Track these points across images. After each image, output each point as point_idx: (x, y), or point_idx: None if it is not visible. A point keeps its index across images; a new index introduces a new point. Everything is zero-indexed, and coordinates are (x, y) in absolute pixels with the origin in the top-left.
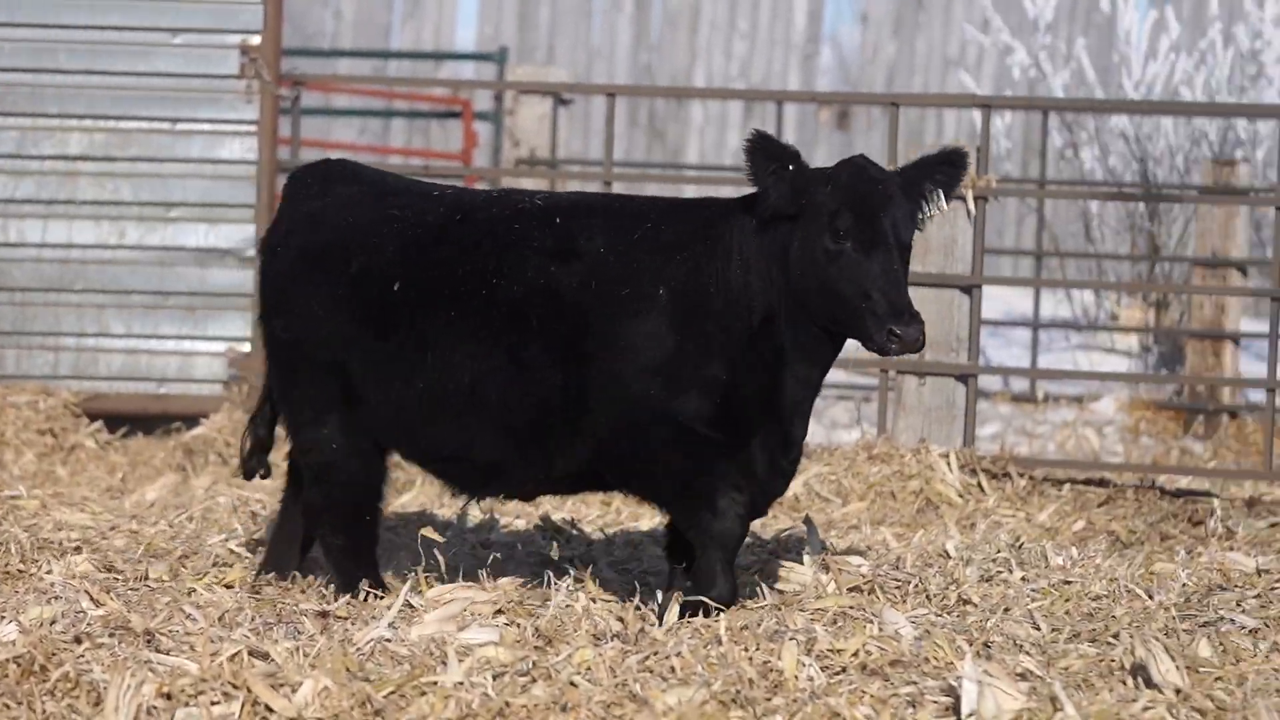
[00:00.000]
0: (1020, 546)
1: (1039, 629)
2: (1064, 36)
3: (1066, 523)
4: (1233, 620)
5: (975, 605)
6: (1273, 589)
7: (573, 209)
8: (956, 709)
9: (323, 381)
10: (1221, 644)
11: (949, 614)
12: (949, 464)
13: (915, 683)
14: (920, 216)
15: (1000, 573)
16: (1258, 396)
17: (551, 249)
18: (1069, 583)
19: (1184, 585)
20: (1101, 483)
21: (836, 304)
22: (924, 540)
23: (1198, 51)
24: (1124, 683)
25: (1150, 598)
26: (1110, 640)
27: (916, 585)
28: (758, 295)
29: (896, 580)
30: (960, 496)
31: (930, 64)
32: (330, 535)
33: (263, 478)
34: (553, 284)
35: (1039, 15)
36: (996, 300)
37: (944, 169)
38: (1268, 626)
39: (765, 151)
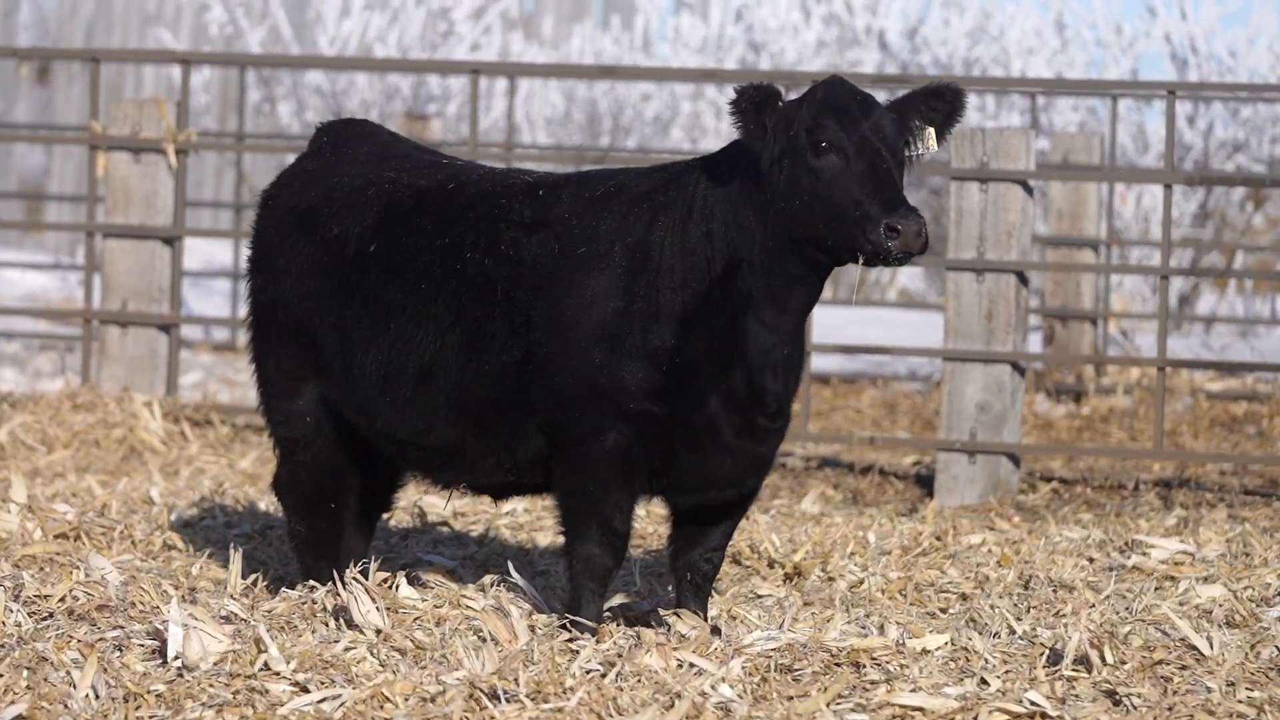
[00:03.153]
0: (224, 492)
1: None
2: None
3: (269, 469)
4: (431, 561)
5: (180, 550)
6: (468, 530)
7: (555, 182)
8: (163, 652)
9: (296, 351)
10: (424, 584)
11: (155, 559)
12: (152, 412)
13: (122, 627)
14: (909, 150)
15: (204, 519)
16: None
17: (523, 220)
18: (272, 528)
19: (385, 528)
20: None
21: (830, 223)
22: (129, 487)
23: (390, 8)
24: (326, 624)
25: None
26: (313, 583)
27: (122, 531)
28: (720, 243)
29: (102, 526)
30: (164, 444)
31: (129, 20)
32: (295, 521)
33: None
34: (519, 252)
35: None
36: (197, 252)
37: (933, 102)
38: (464, 566)
39: (756, 104)
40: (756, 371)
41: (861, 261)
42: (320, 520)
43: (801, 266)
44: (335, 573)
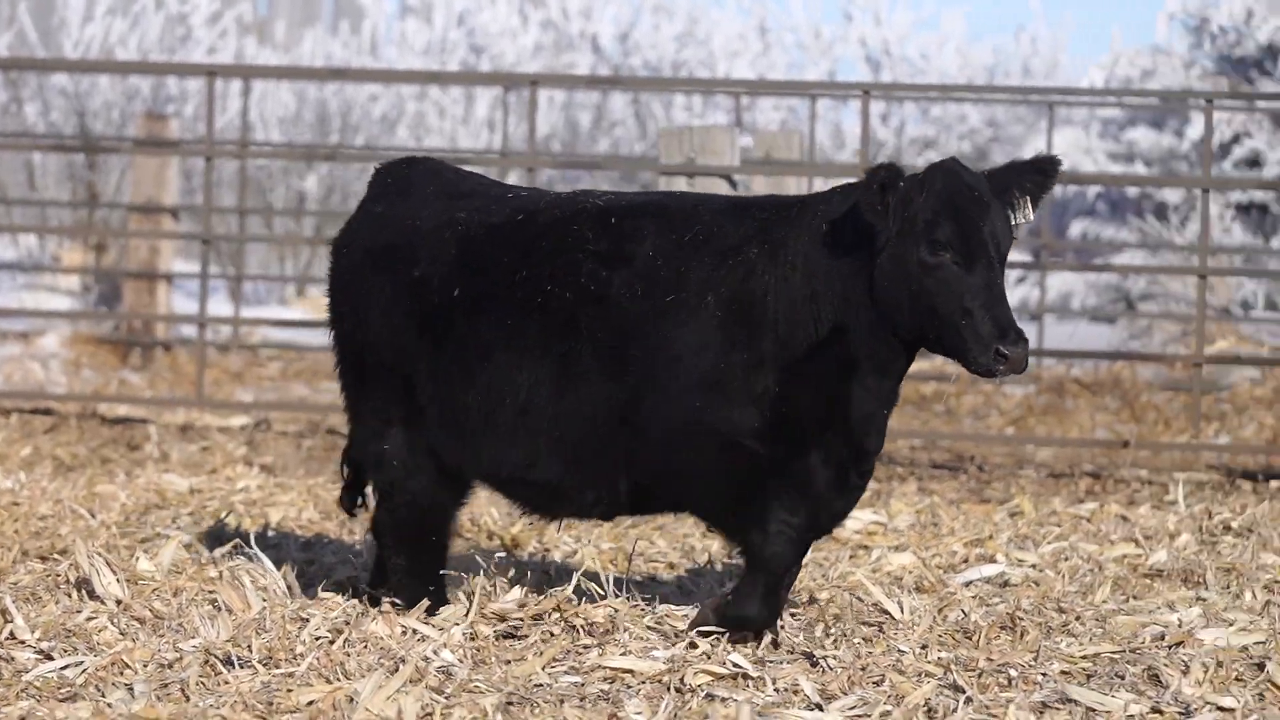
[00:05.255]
0: None
1: None
2: (8, 0)
3: (14, 449)
4: (168, 535)
5: None
6: (204, 506)
7: (627, 209)
8: None
9: (387, 391)
10: (160, 557)
11: None
12: None
13: None
14: (1011, 221)
15: None
16: (190, 331)
17: (602, 252)
18: (17, 504)
19: (124, 504)
20: (47, 412)
21: (931, 320)
22: None
23: (132, 14)
24: (70, 595)
25: (93, 516)
26: (57, 556)
27: None
28: (825, 306)
29: None
30: None
31: None
32: (394, 555)
33: (356, 511)
34: (602, 289)
35: None
36: None
37: (1034, 176)
38: (201, 540)
39: (883, 186)
40: (859, 433)
41: (962, 364)
42: (421, 553)
43: (898, 343)
44: (434, 598)
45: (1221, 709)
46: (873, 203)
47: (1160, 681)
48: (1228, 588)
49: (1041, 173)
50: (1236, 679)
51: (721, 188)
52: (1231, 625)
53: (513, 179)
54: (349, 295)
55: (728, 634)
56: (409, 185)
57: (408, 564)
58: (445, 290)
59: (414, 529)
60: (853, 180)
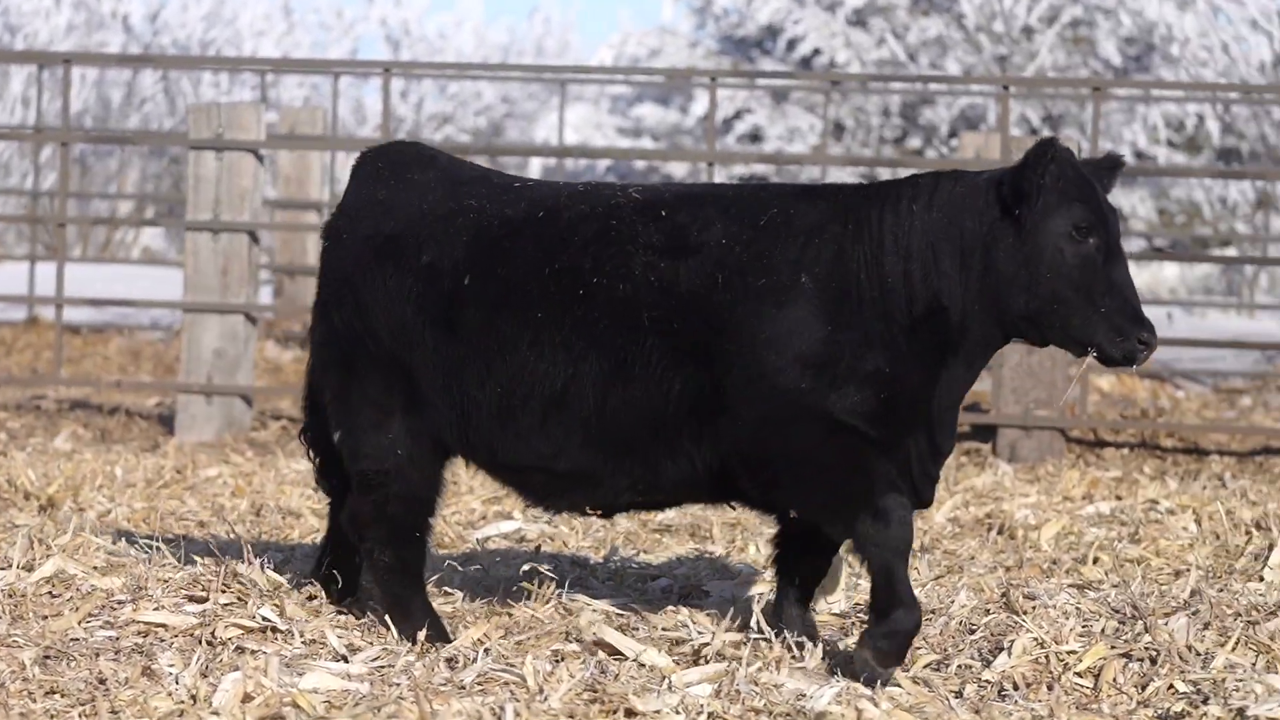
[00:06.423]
0: None
1: None
2: None
3: None
4: None
5: None
6: None
7: (678, 201)
8: None
9: (385, 382)
10: None
11: None
12: None
13: None
14: None
15: None
16: None
17: (660, 245)
18: None
19: None
20: None
21: (1063, 305)
22: None
23: None
24: None
25: None
26: None
27: None
28: (920, 286)
29: None
30: None
31: None
32: (380, 551)
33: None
34: (665, 280)
35: None
36: None
37: (1108, 174)
38: None
39: (1058, 160)
40: (935, 423)
41: (1093, 355)
42: (406, 548)
43: (996, 330)
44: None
45: (728, 657)
46: (1039, 177)
47: (672, 628)
48: (733, 541)
49: (1114, 170)
50: (742, 627)
51: (249, 161)
52: (736, 577)
53: (46, 154)
54: (349, 282)
55: (891, 659)
56: (403, 170)
57: (393, 561)
58: (456, 278)
59: (405, 523)
60: (929, 171)
